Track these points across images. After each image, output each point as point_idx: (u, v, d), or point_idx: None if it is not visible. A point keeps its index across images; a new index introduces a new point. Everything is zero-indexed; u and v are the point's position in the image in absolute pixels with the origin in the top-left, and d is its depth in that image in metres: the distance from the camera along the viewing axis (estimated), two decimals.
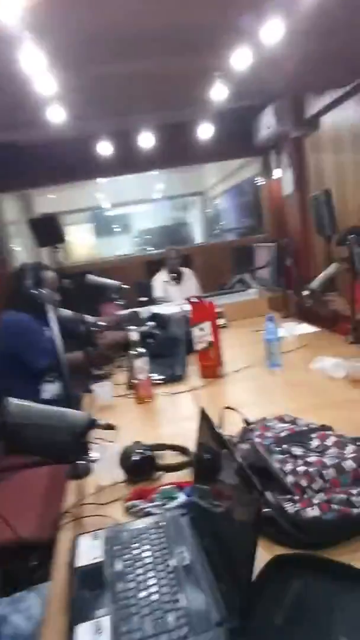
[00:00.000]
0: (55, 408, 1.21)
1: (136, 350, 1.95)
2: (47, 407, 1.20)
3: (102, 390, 1.99)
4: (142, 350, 1.95)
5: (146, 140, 4.31)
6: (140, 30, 2.32)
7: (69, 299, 2.64)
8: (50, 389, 2.42)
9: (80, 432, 1.16)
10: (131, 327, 2.22)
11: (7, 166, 4.32)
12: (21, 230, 5.69)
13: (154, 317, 2.77)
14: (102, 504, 1.20)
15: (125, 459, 1.29)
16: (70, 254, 8.20)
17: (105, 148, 4.37)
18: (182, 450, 1.38)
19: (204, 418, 1.11)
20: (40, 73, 2.43)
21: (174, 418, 1.80)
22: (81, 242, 9.31)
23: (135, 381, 1.95)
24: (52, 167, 4.48)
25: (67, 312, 2.54)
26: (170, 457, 1.37)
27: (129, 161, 4.58)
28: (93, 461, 1.26)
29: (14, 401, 1.15)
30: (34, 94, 2.67)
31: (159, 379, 2.12)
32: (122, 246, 10.09)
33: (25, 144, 4.30)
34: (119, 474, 1.30)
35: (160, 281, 4.70)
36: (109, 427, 1.26)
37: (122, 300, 3.20)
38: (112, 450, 1.31)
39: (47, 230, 2.57)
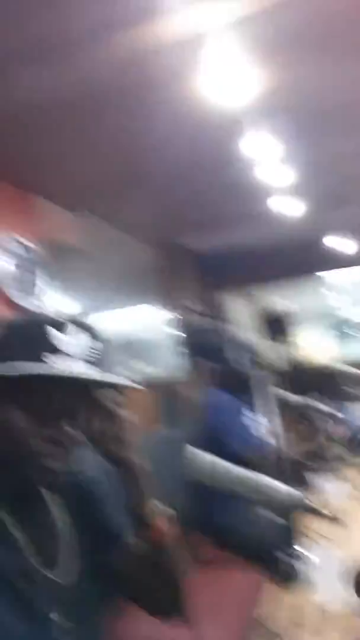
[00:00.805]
0: (248, 472, 0.94)
1: None
2: (237, 468, 0.91)
3: (331, 488, 1.66)
4: None
5: None
6: None
7: (299, 385, 2.45)
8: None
9: (284, 511, 0.90)
10: None
11: (235, 263, 4.32)
12: (251, 330, 5.48)
13: None
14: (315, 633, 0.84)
15: None
16: (302, 352, 7.76)
17: (338, 242, 4.07)
18: None
19: None
20: (270, 161, 2.36)
21: None
22: (315, 344, 8.81)
23: None
24: (281, 264, 4.34)
25: (293, 397, 2.29)
26: None
27: None
28: (305, 564, 0.92)
29: (196, 452, 0.86)
30: (263, 185, 2.56)
31: None
32: None
33: (251, 242, 4.27)
34: (349, 597, 0.88)
35: None
36: (333, 519, 0.95)
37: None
38: (335, 557, 0.94)
39: (276, 326, 2.42)
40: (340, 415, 2.35)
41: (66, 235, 3.55)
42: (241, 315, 5.29)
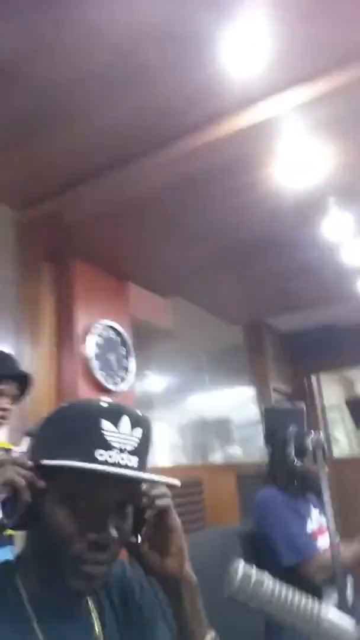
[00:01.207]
0: (308, 602, 0.77)
1: None
2: (296, 595, 0.78)
3: None
4: None
5: None
6: None
7: None
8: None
9: None
10: None
11: (323, 345, 4.34)
12: (344, 417, 5.37)
13: None
14: None
15: None
16: None
17: None
18: None
19: None
20: (347, 241, 2.42)
21: None
22: None
23: None
24: None
25: None
26: None
27: None
28: None
29: (248, 570, 0.77)
30: (343, 265, 2.68)
31: None
32: None
33: (342, 321, 4.30)
34: None
35: None
36: None
37: None
38: None
39: None
40: None
41: (158, 319, 3.72)
42: (331, 399, 5.03)
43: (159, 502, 0.72)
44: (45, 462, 0.66)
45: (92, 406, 0.69)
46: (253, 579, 0.77)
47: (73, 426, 0.68)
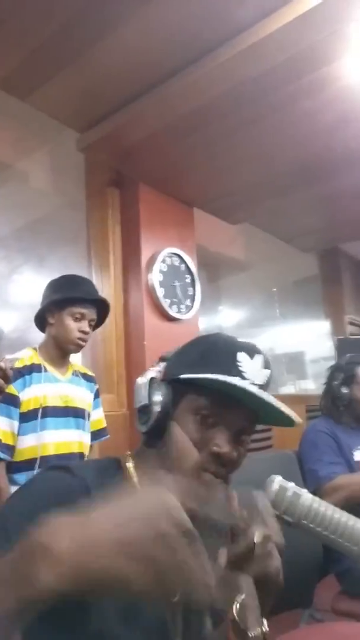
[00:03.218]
0: (353, 519, 0.78)
1: None
2: (336, 510, 0.76)
3: None
4: None
5: None
6: None
7: None
8: None
9: None
10: None
11: None
12: None
13: None
14: None
15: None
16: None
17: None
18: None
19: None
20: None
21: None
22: None
23: None
24: None
25: None
26: None
27: None
28: None
29: (285, 484, 0.76)
30: None
31: None
32: None
33: None
34: None
35: None
36: None
37: None
38: None
39: None
40: None
41: (227, 249, 3.61)
42: None
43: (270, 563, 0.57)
44: (185, 375, 0.71)
45: (232, 339, 0.75)
46: (289, 492, 0.74)
47: (214, 350, 0.74)
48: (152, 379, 0.74)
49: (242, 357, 0.71)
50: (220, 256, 3.65)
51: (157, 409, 0.71)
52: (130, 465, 0.73)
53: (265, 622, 0.54)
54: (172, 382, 0.73)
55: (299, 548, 1.22)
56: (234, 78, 1.82)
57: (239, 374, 0.70)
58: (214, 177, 2.65)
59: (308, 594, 1.71)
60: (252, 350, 0.73)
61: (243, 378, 0.70)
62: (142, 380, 0.74)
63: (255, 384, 0.70)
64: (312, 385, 4.33)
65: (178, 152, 2.36)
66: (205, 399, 0.70)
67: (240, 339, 0.75)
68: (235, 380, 0.68)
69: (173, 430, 0.71)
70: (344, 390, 1.96)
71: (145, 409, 0.72)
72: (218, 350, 0.73)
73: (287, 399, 2.05)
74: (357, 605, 1.66)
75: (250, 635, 0.51)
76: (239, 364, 0.71)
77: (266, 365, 0.73)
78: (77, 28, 1.71)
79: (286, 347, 4.86)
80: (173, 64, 1.88)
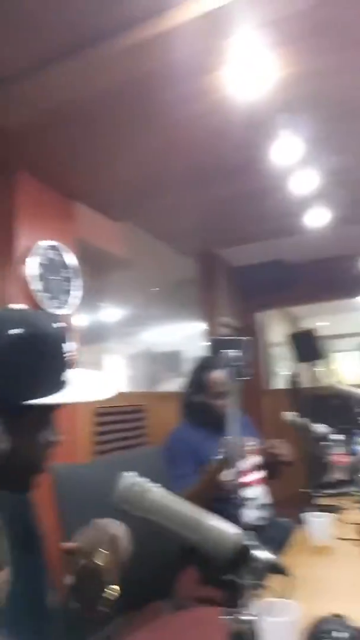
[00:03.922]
0: (196, 511, 0.80)
1: None
2: (180, 502, 0.80)
3: (318, 524, 1.48)
4: None
5: None
6: None
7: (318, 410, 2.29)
8: (253, 514, 1.95)
9: (223, 556, 0.75)
10: None
11: (272, 282, 4.35)
12: (287, 353, 5.56)
13: None
14: None
15: None
16: (334, 374, 7.94)
17: None
18: None
19: None
20: (295, 169, 2.31)
21: None
22: (350, 370, 9.03)
23: None
24: (315, 283, 4.36)
25: (300, 420, 2.10)
26: None
27: None
28: (242, 621, 0.78)
29: (133, 480, 0.77)
30: (292, 196, 2.58)
31: None
32: None
33: (290, 257, 4.28)
34: None
35: None
36: (278, 570, 0.78)
37: None
38: (290, 614, 0.79)
39: (306, 346, 2.38)
40: (345, 443, 2.16)
41: (110, 246, 3.58)
42: (278, 336, 5.15)
43: None
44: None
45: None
46: (138, 487, 0.76)
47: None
48: None
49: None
50: (103, 253, 3.61)
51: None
52: None
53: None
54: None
55: (160, 540, 1.26)
56: (119, 73, 1.82)
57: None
58: (97, 171, 2.62)
59: (171, 585, 1.77)
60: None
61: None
62: None
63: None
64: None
65: (61, 141, 2.30)
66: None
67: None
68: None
69: None
70: (198, 397, 2.01)
71: None
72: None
73: (166, 396, 2.11)
74: (214, 591, 1.75)
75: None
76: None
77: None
78: None
79: (166, 346, 4.98)
80: (54, 51, 1.83)
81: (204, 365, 2.10)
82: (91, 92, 1.92)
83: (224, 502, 1.57)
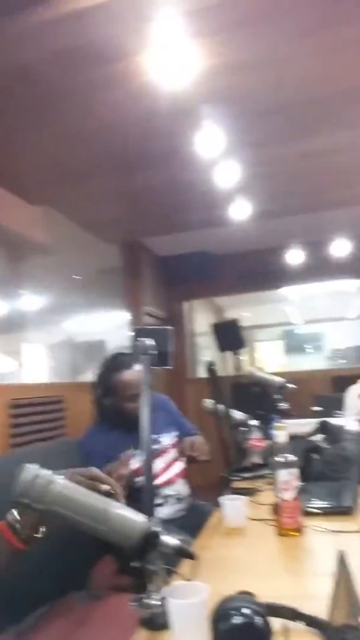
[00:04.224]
0: (102, 500, 0.79)
1: (284, 457, 1.38)
2: (87, 493, 0.79)
3: (232, 507, 1.49)
4: (293, 458, 1.38)
5: (340, 247, 4.09)
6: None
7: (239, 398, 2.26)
8: (173, 508, 1.95)
9: (130, 543, 0.76)
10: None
11: (197, 272, 4.46)
12: (212, 343, 5.65)
13: (323, 427, 2.11)
14: None
15: (218, 619, 0.73)
16: (256, 363, 8.01)
17: (294, 255, 4.27)
18: (319, 624, 0.77)
19: (344, 572, 0.72)
20: (219, 160, 2.31)
21: (324, 567, 1.01)
22: (271, 359, 9.07)
23: (278, 502, 1.38)
24: (239, 274, 4.49)
25: (217, 407, 2.01)
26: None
27: (320, 269, 4.45)
28: (151, 606, 0.79)
29: (34, 472, 0.75)
30: (216, 188, 2.62)
31: (317, 508, 1.52)
32: (313, 365, 9.11)
33: (214, 248, 4.36)
34: None
35: (355, 393, 3.59)
36: (185, 554, 0.78)
37: (285, 403, 2.61)
38: (199, 596, 0.78)
39: (228, 335, 2.36)
40: (262, 428, 2.23)
41: (29, 230, 3.44)
42: (203, 326, 5.27)
43: None
44: None
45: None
46: (40, 479, 0.74)
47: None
48: None
49: None
50: (21, 237, 3.47)
51: None
52: None
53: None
54: None
55: (75, 531, 1.24)
56: (35, 49, 1.73)
57: None
58: (13, 151, 2.49)
59: (85, 576, 1.75)
60: None
61: None
62: None
63: None
64: None
65: None
66: None
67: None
68: None
69: None
70: (109, 400, 1.99)
71: None
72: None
73: (87, 386, 2.07)
74: (128, 579, 1.75)
75: None
76: None
77: None
78: None
79: (88, 335, 4.89)
80: None
81: (113, 366, 2.05)
82: (4, 67, 1.82)
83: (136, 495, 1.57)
